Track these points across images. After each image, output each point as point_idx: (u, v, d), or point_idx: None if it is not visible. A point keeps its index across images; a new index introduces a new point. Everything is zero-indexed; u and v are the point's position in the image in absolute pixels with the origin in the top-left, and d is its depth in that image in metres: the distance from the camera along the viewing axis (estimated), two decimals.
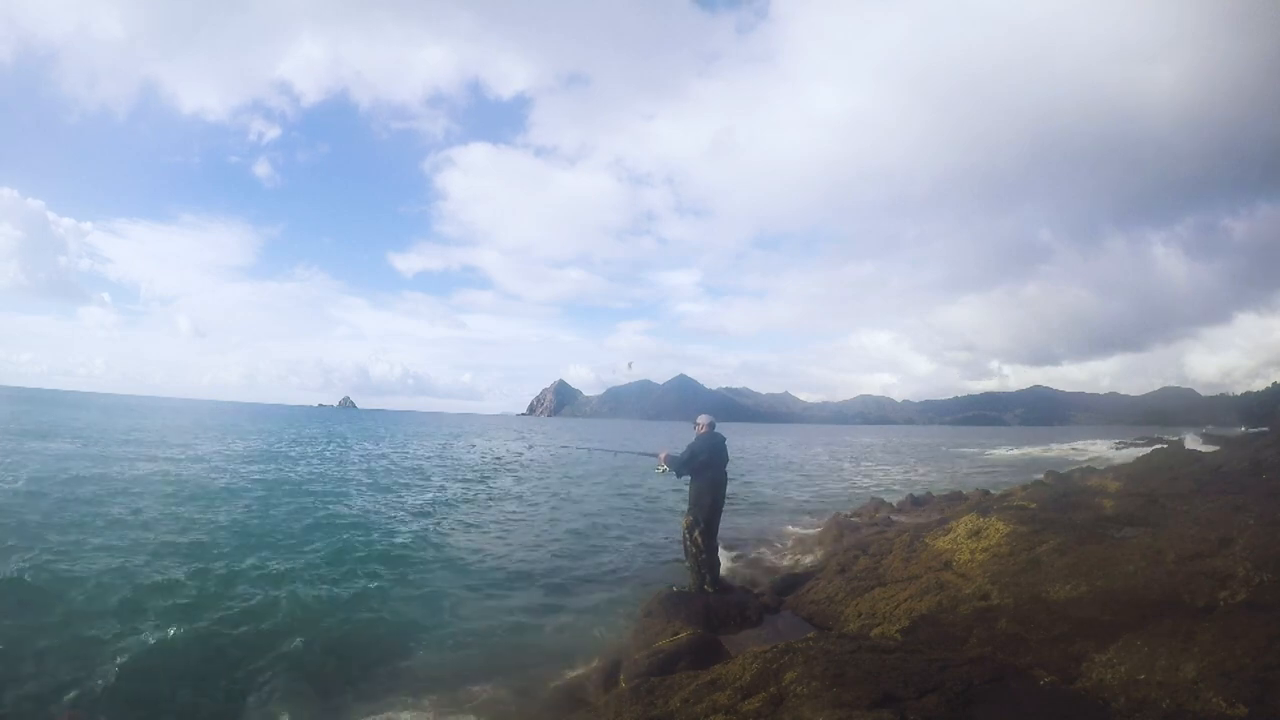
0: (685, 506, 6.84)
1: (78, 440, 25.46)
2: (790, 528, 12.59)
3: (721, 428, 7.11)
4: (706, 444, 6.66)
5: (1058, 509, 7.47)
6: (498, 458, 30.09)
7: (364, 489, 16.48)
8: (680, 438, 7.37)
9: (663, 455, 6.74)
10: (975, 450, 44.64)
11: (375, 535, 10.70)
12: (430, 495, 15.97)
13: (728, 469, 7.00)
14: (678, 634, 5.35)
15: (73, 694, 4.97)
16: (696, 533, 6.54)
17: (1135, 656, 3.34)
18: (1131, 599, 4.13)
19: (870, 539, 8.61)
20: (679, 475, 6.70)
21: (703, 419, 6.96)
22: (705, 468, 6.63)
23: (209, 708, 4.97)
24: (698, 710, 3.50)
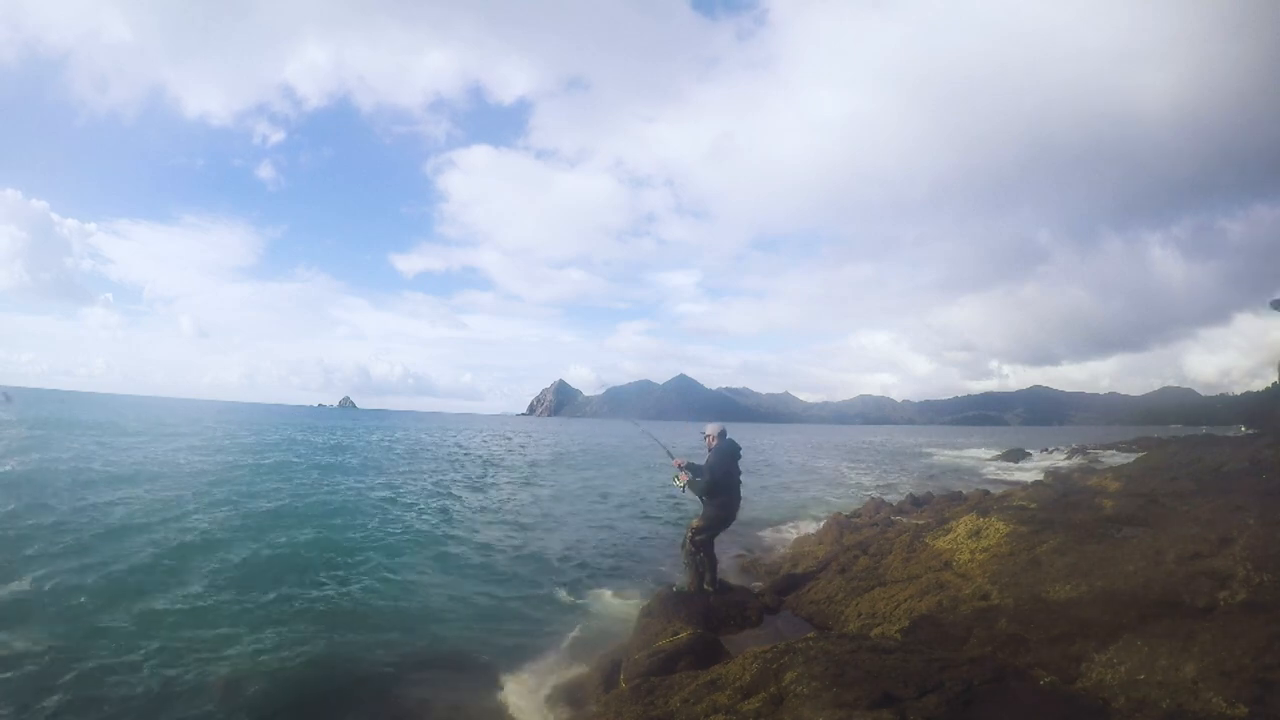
0: (690, 510, 6.76)
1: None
2: (790, 528, 12.60)
3: None
4: (721, 460, 6.41)
5: (1058, 509, 7.47)
6: (505, 454, 30.15)
7: (372, 486, 16.47)
8: (681, 438, 7.31)
9: (684, 477, 6.39)
10: (934, 449, 45.86)
11: (373, 534, 10.72)
12: (428, 494, 15.95)
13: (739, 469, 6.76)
14: (678, 634, 5.34)
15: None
16: (699, 536, 6.52)
17: (1135, 656, 3.34)
18: (1131, 599, 4.12)
19: (870, 539, 8.61)
20: (701, 498, 6.43)
21: (711, 429, 6.53)
22: (722, 487, 6.41)
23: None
24: (698, 710, 3.50)
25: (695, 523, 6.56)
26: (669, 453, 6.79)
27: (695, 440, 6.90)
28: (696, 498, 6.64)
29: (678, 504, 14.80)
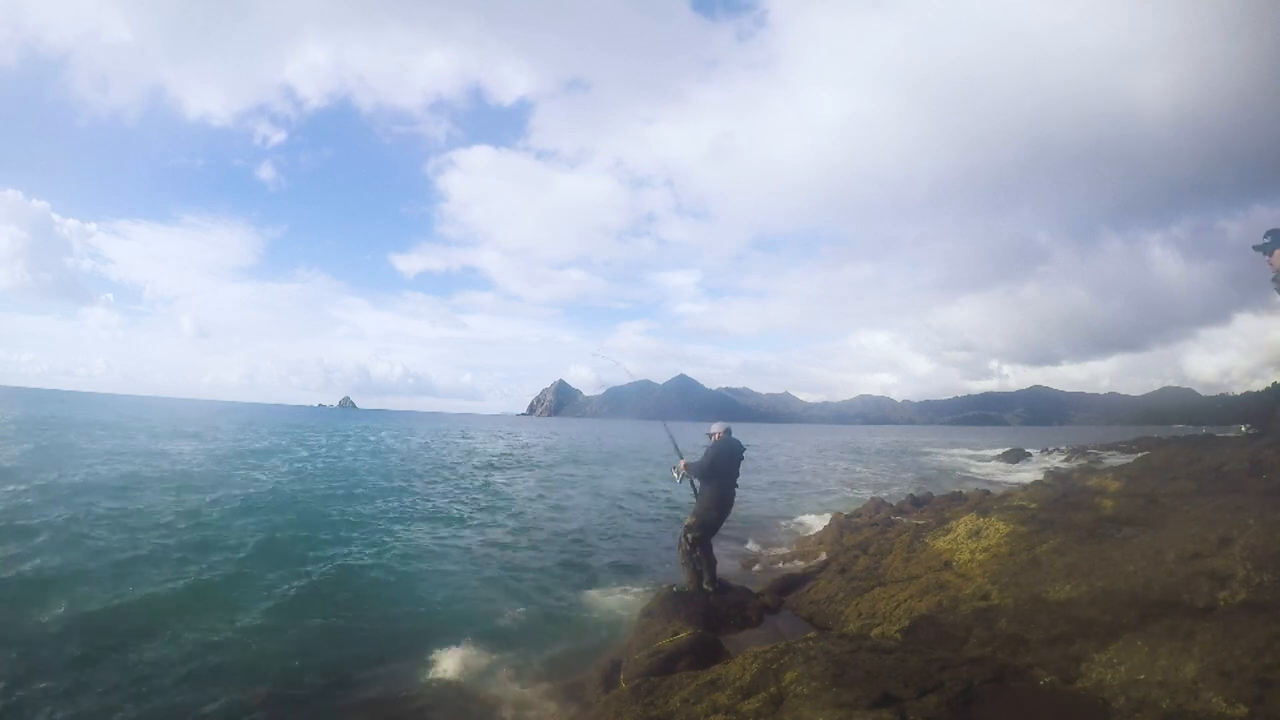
0: (690, 508, 6.85)
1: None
2: (790, 528, 12.60)
3: None
4: (720, 453, 6.61)
5: (1058, 509, 7.46)
6: (507, 454, 30.15)
7: (372, 488, 16.48)
8: (684, 438, 7.31)
9: (683, 464, 6.67)
10: (934, 449, 46.81)
11: (376, 534, 10.72)
12: (431, 495, 15.95)
13: (739, 469, 6.94)
14: (678, 634, 5.34)
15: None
16: (692, 535, 6.56)
17: (1135, 656, 3.34)
18: (1131, 599, 4.12)
19: (870, 539, 8.61)
20: (695, 479, 6.66)
21: (716, 428, 6.82)
22: (717, 475, 6.60)
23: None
24: (698, 710, 3.50)
25: (688, 520, 6.65)
26: (680, 453, 6.89)
27: (699, 441, 6.97)
28: (691, 492, 6.78)
29: (677, 504, 14.80)
